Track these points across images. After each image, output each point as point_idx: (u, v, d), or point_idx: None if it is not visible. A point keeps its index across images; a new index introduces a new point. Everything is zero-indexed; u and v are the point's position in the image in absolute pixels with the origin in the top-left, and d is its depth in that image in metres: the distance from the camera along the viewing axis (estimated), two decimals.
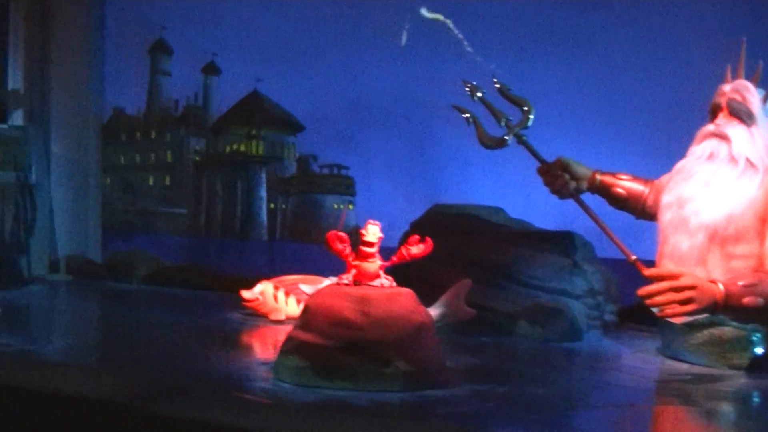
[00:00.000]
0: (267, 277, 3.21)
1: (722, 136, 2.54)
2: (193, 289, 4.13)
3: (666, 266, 2.52)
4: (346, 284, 1.96)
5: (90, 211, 4.78)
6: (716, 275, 2.38)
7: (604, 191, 2.91)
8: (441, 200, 3.61)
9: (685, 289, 2.20)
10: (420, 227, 3.35)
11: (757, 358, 2.41)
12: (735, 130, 2.53)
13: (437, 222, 3.38)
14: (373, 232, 1.94)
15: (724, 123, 2.56)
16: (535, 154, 2.87)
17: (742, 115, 2.54)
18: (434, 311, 2.17)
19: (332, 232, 1.93)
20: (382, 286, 1.96)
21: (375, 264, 1.96)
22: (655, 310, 2.35)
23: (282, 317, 3.11)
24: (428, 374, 1.90)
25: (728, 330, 2.43)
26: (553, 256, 3.21)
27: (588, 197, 2.94)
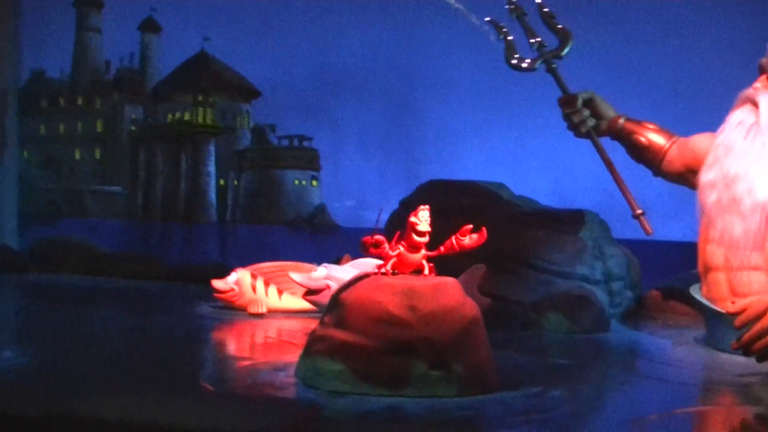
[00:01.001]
0: (221, 263, 3.08)
1: (754, 103, 2.52)
2: (135, 280, 3.99)
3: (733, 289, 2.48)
4: (384, 274, 1.90)
5: (5, 191, 4.65)
6: None
7: (626, 138, 2.94)
8: (419, 176, 3.54)
9: None
10: (412, 205, 3.25)
11: None
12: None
13: (433, 200, 3.24)
14: (425, 219, 1.88)
15: (762, 88, 2.55)
16: (562, 85, 2.97)
17: None
18: None
19: (367, 238, 1.88)
20: (424, 275, 1.91)
21: (419, 253, 1.92)
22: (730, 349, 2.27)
23: (263, 310, 2.97)
24: (484, 376, 1.84)
25: None
26: (570, 237, 3.13)
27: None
